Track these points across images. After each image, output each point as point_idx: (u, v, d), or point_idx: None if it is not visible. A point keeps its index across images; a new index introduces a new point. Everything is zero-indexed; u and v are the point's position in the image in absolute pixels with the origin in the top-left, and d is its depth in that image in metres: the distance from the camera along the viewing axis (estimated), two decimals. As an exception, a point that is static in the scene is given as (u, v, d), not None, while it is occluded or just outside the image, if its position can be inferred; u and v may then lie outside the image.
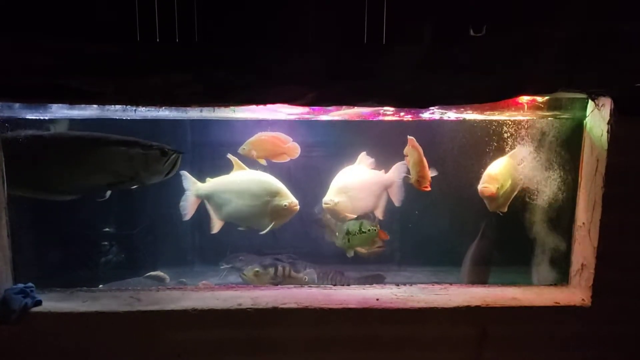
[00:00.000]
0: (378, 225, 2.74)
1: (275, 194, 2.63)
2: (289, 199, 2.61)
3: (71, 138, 2.10)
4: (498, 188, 2.55)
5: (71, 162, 2.08)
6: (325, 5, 1.82)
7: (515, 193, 2.64)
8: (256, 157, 2.70)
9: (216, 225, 2.72)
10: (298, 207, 2.63)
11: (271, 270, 2.73)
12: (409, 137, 2.57)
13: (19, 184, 2.06)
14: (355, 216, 2.75)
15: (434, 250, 2.89)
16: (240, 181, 2.67)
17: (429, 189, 2.57)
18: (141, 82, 1.84)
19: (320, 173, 2.83)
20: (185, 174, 2.67)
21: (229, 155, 2.67)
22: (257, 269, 2.71)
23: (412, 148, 2.56)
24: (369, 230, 2.71)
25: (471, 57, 1.88)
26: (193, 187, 2.67)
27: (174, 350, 2.10)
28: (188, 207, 2.69)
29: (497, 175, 2.58)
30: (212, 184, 2.68)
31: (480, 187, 2.55)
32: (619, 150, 2.04)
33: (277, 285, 2.53)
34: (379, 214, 2.83)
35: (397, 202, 2.81)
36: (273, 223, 2.63)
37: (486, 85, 1.93)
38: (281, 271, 2.74)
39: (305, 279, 2.75)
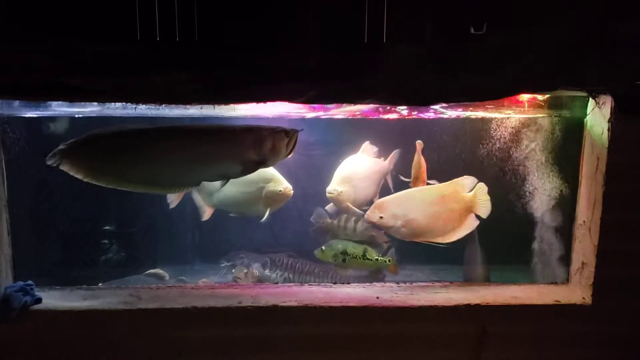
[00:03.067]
0: (392, 258, 2.70)
1: (269, 179, 2.63)
2: (283, 184, 2.63)
3: (195, 130, 2.11)
4: (382, 217, 2.50)
5: (196, 155, 2.07)
6: (326, 3, 1.82)
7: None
8: None
9: (206, 212, 2.72)
10: (292, 191, 2.64)
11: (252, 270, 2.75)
12: (417, 141, 2.60)
13: (136, 181, 2.06)
14: (359, 210, 2.75)
15: (434, 249, 2.88)
16: None
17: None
18: (141, 80, 1.84)
19: (320, 172, 2.83)
20: None
21: None
22: (245, 270, 2.72)
23: (417, 152, 2.58)
24: (376, 259, 2.68)
25: (472, 55, 1.88)
26: None
27: (174, 349, 2.10)
28: (173, 195, 2.67)
29: (386, 203, 2.53)
30: None
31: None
32: (620, 148, 2.03)
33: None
34: (375, 199, 2.84)
35: (393, 190, 2.83)
36: (269, 210, 2.63)
37: (487, 83, 1.93)
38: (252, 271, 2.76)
39: (256, 273, 2.75)
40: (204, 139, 2.08)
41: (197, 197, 2.73)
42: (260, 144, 2.05)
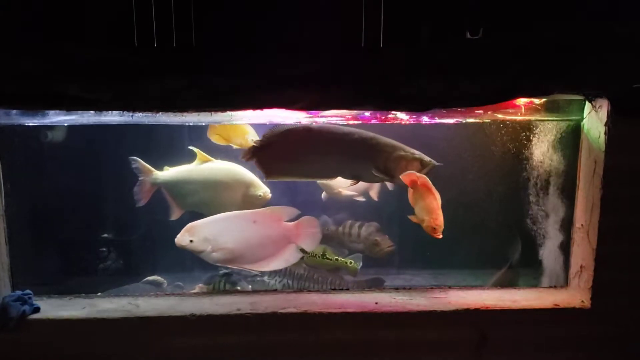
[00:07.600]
0: (355, 262, 2.70)
1: (248, 184, 2.66)
2: (262, 189, 2.65)
3: (345, 133, 2.29)
4: (192, 241, 2.40)
5: (347, 153, 2.29)
6: (322, 9, 1.83)
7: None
8: None
9: (175, 213, 2.74)
10: (270, 195, 2.67)
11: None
12: (414, 173, 2.22)
13: (300, 173, 2.37)
14: (357, 194, 2.78)
15: (434, 253, 2.88)
16: (210, 171, 2.69)
17: (441, 236, 2.17)
18: (139, 88, 1.84)
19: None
20: (137, 160, 2.67)
21: (191, 147, 2.67)
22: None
23: (425, 189, 2.18)
24: (335, 259, 2.70)
25: (468, 59, 1.89)
26: (148, 173, 2.68)
27: (173, 356, 2.09)
28: (142, 193, 2.68)
29: (197, 226, 2.43)
30: (174, 173, 2.69)
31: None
32: (617, 151, 2.04)
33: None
34: (374, 195, 2.87)
35: (390, 186, 2.80)
36: None
37: (484, 88, 1.93)
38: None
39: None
40: (358, 142, 2.27)
41: (168, 197, 2.74)
42: (396, 163, 2.23)
